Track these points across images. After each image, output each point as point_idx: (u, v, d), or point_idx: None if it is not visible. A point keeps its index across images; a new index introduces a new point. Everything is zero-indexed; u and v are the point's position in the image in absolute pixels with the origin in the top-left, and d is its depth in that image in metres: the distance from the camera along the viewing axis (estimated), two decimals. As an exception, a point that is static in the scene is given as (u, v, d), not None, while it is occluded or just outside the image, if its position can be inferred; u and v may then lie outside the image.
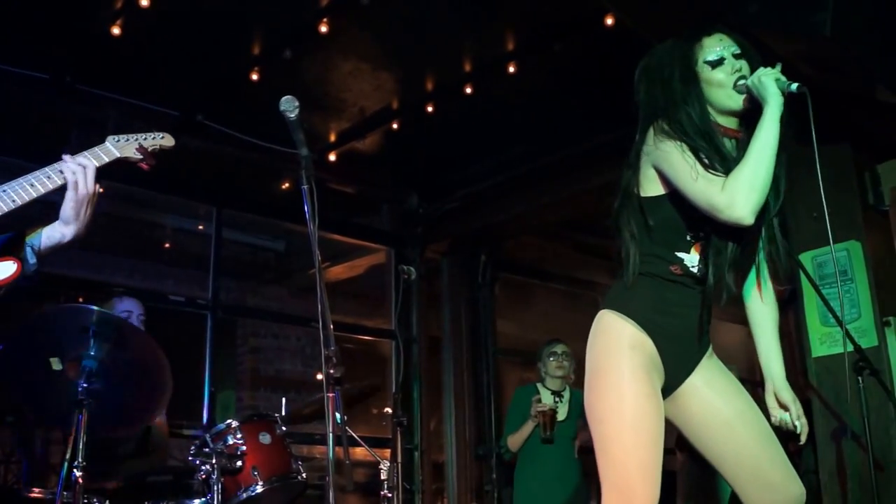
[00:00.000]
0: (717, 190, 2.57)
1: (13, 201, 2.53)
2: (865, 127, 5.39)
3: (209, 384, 6.48)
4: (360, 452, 5.37)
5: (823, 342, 5.35)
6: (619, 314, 2.75)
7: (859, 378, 4.54)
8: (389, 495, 4.69)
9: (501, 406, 7.74)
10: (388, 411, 7.69)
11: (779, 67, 2.66)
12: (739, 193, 2.54)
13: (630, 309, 2.74)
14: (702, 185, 2.59)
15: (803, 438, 2.89)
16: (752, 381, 10.98)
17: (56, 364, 3.54)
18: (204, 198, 7.01)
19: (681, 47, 2.83)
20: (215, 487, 4.04)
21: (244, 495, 4.13)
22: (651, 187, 2.78)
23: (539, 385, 6.15)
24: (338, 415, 2.52)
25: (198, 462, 4.21)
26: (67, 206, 2.64)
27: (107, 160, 2.78)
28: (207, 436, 4.31)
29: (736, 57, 2.77)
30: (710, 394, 2.84)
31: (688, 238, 2.75)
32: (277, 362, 8.94)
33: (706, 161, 2.63)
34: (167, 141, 2.95)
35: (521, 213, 7.24)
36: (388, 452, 6.98)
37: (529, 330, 8.19)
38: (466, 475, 7.62)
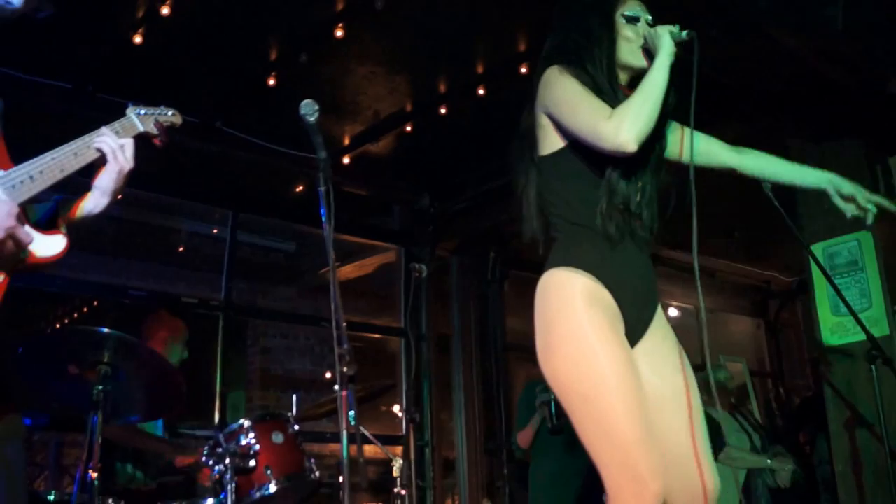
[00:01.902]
0: (604, 116, 2.55)
1: (61, 171, 2.43)
2: (877, 120, 5.38)
3: (220, 384, 6.48)
4: (371, 450, 5.37)
5: (835, 332, 5.38)
6: (567, 268, 2.60)
7: (872, 367, 4.52)
8: (403, 492, 4.67)
9: (511, 402, 7.74)
10: (396, 409, 7.74)
11: (678, 27, 2.70)
12: (626, 120, 2.52)
13: (578, 260, 2.61)
14: (588, 113, 2.58)
15: (870, 219, 2.85)
16: (761, 374, 11.01)
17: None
18: (221, 202, 7.03)
19: None
20: (229, 487, 4.03)
21: (258, 494, 4.11)
22: (549, 143, 2.75)
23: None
24: (351, 413, 2.49)
25: (211, 462, 4.21)
26: (106, 177, 2.54)
27: (132, 133, 2.70)
28: (220, 436, 4.30)
29: (649, 25, 2.81)
30: (652, 364, 2.68)
31: (596, 177, 2.69)
32: (287, 362, 8.97)
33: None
34: (176, 118, 2.89)
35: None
36: (399, 449, 7.02)
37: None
38: (477, 471, 7.61)
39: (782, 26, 4.58)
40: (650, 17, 2.85)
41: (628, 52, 2.79)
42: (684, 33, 2.67)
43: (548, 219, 2.78)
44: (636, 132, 2.52)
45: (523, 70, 5.68)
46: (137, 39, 5.14)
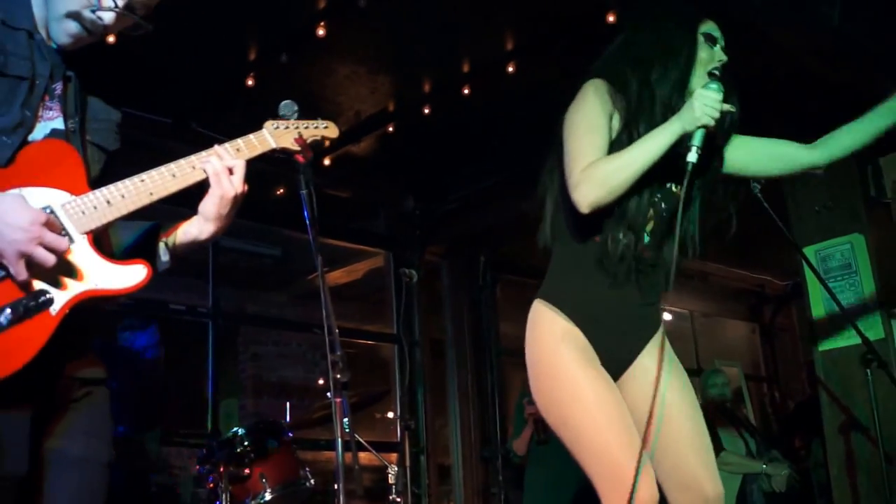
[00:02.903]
0: (582, 164, 2.52)
1: (150, 194, 2.23)
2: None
3: (212, 392, 6.41)
4: (366, 457, 5.33)
5: (829, 335, 5.34)
6: (548, 305, 2.68)
7: (867, 371, 4.55)
8: (398, 499, 4.68)
9: (506, 407, 7.73)
10: (391, 415, 7.71)
11: (731, 109, 2.62)
12: (590, 182, 2.49)
13: (560, 298, 2.68)
14: (577, 153, 2.54)
15: None
16: (757, 378, 11.01)
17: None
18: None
19: (691, 10, 2.79)
20: (223, 496, 4.03)
21: (253, 503, 4.12)
22: None
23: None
24: (345, 420, 2.42)
25: (204, 471, 4.22)
26: (209, 203, 2.33)
27: (260, 151, 2.47)
28: (214, 444, 4.30)
29: (723, 50, 2.75)
30: (650, 379, 2.68)
31: (615, 208, 2.63)
32: (279, 369, 8.91)
33: (651, 119, 2.58)
34: (330, 131, 2.63)
35: (521, 214, 7.15)
36: (394, 456, 6.97)
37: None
38: (473, 477, 7.60)
39: (777, 24, 4.59)
40: (724, 43, 2.75)
41: (697, 74, 2.70)
42: (690, 157, 2.49)
43: (555, 234, 2.79)
44: (593, 198, 2.50)
45: (510, 69, 5.65)
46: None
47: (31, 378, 1.98)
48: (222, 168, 2.32)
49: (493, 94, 5.97)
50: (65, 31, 2.22)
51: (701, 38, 2.72)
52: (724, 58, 2.72)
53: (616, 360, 2.72)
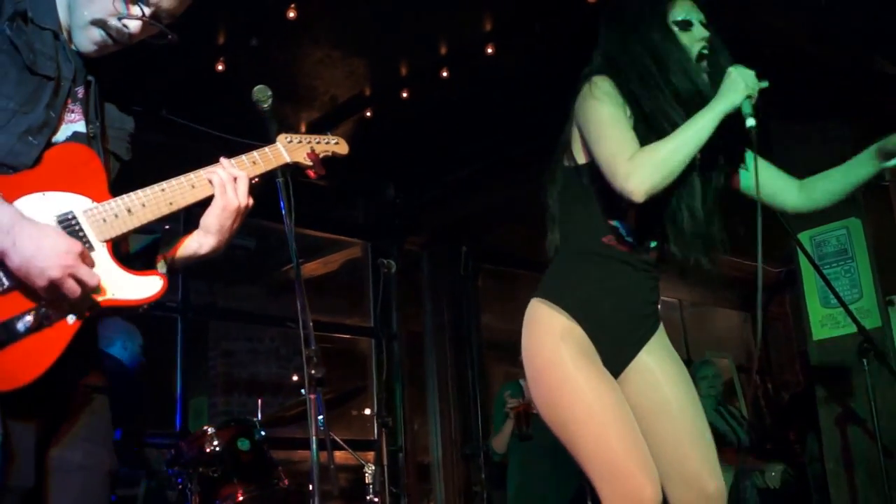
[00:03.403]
0: (625, 156, 2.50)
1: (169, 204, 2.25)
2: (863, 101, 5.35)
3: (181, 390, 6.35)
4: (342, 456, 5.26)
5: (824, 324, 5.34)
6: (548, 303, 2.69)
7: (864, 361, 4.49)
8: (376, 500, 4.62)
9: (488, 403, 7.70)
10: (369, 412, 7.61)
11: (762, 86, 2.61)
12: (644, 169, 2.47)
13: (560, 296, 2.68)
14: (612, 147, 2.54)
15: None
16: (749, 369, 10.94)
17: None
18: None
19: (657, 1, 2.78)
20: (193, 498, 3.99)
21: (224, 504, 4.09)
22: (578, 154, 2.74)
23: (522, 381, 6.00)
24: (320, 417, 2.40)
25: (174, 471, 4.17)
26: (211, 215, 2.34)
27: (274, 166, 2.48)
28: (183, 443, 4.25)
29: (703, 26, 2.75)
30: (658, 375, 2.74)
31: (623, 205, 2.63)
32: (251, 365, 8.81)
33: (649, 124, 2.59)
34: (341, 147, 2.68)
35: (504, 202, 7.15)
36: (371, 455, 6.88)
37: (516, 322, 8.02)
38: (454, 476, 7.55)
39: (768, 6, 4.61)
40: (703, 17, 2.74)
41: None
42: (750, 122, 2.54)
43: (563, 235, 2.80)
44: (650, 184, 2.48)
45: (489, 51, 5.60)
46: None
47: (46, 387, 1.98)
48: (228, 178, 2.34)
49: (473, 76, 5.91)
50: (90, 39, 2.25)
51: (675, 28, 2.72)
52: (706, 34, 2.73)
53: (617, 359, 2.72)
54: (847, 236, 5.26)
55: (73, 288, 1.97)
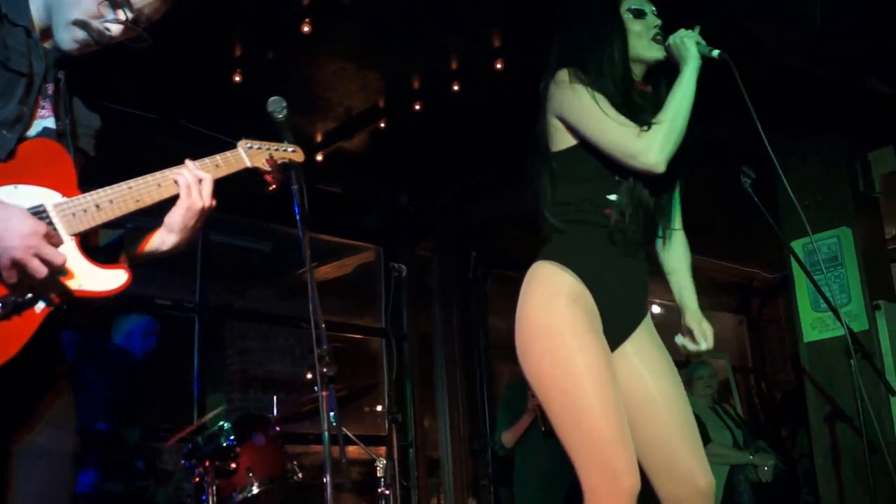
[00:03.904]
0: (633, 135, 2.58)
1: (136, 201, 2.27)
2: (855, 116, 5.41)
3: (198, 387, 6.44)
4: (355, 451, 5.34)
5: (815, 327, 5.41)
6: (556, 263, 2.62)
7: (851, 361, 4.48)
8: (387, 492, 4.64)
9: (495, 401, 7.62)
10: (380, 409, 7.69)
11: (697, 30, 2.71)
12: (656, 141, 2.56)
13: (568, 257, 2.62)
14: (616, 131, 2.60)
15: (705, 345, 2.77)
16: (744, 370, 11.04)
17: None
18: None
19: None
20: (209, 490, 4.02)
21: (240, 497, 4.11)
22: (561, 140, 2.76)
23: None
24: (332, 414, 2.44)
25: (191, 465, 4.20)
26: (176, 215, 2.35)
27: (235, 169, 2.53)
28: (200, 438, 4.29)
29: (655, 15, 2.84)
30: (639, 366, 2.70)
31: (616, 178, 2.70)
32: (266, 363, 8.88)
33: (615, 107, 2.64)
34: (297, 156, 2.67)
35: (511, 209, 7.17)
36: (382, 450, 6.98)
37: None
38: (462, 471, 7.60)
39: (761, 22, 4.61)
40: (654, 8, 2.85)
41: (640, 46, 2.79)
42: (715, 52, 2.66)
43: (553, 217, 2.77)
44: (667, 153, 2.59)
45: (498, 66, 5.66)
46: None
47: (10, 374, 1.99)
48: (194, 180, 2.36)
49: (483, 90, 5.97)
50: (72, 38, 2.27)
51: (628, 16, 2.81)
52: (659, 21, 2.82)
53: (616, 332, 2.67)
54: (838, 244, 5.35)
55: (38, 268, 1.99)
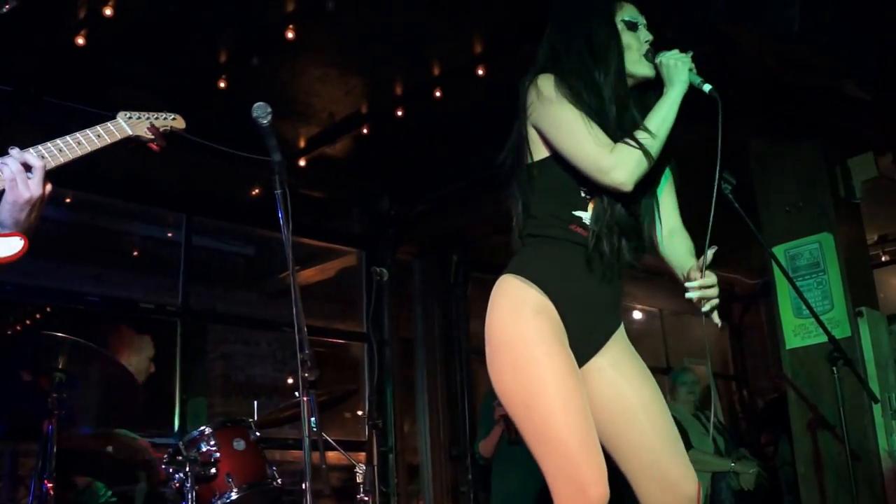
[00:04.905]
0: (605, 151, 2.54)
1: None
2: (835, 122, 5.44)
3: (180, 391, 6.41)
4: (335, 456, 5.31)
5: (797, 334, 5.40)
6: (520, 278, 2.60)
7: (833, 368, 4.50)
8: (366, 499, 4.61)
9: (476, 406, 7.71)
10: (360, 414, 7.69)
11: (690, 55, 2.68)
12: (628, 159, 2.53)
13: (531, 272, 2.60)
14: (590, 146, 2.55)
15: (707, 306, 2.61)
16: (725, 376, 11.06)
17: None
18: (173, 205, 6.94)
19: (605, 1, 2.82)
20: (189, 495, 3.98)
21: (219, 503, 4.07)
22: (536, 150, 2.73)
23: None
24: (313, 419, 2.47)
25: (171, 470, 4.15)
26: (3, 209, 2.29)
27: (118, 138, 2.55)
28: (180, 443, 4.25)
29: (647, 29, 2.80)
30: (616, 377, 2.68)
31: (582, 194, 2.66)
32: (248, 368, 8.86)
33: (595, 119, 2.60)
34: (178, 123, 2.77)
35: (493, 213, 7.15)
36: (362, 455, 6.97)
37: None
38: (442, 476, 7.59)
39: (739, 28, 4.59)
40: (645, 22, 2.82)
41: (630, 60, 2.74)
42: (707, 87, 2.62)
43: (520, 228, 2.76)
44: (638, 174, 2.56)
45: (480, 72, 5.67)
46: (80, 41, 5.03)
47: None
48: (18, 170, 2.29)
49: (465, 96, 5.98)
50: None
51: (622, 25, 2.76)
52: (650, 37, 2.78)
53: (584, 346, 2.65)
54: (819, 250, 5.35)
55: None
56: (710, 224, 2.56)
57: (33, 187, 2.29)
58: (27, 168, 2.30)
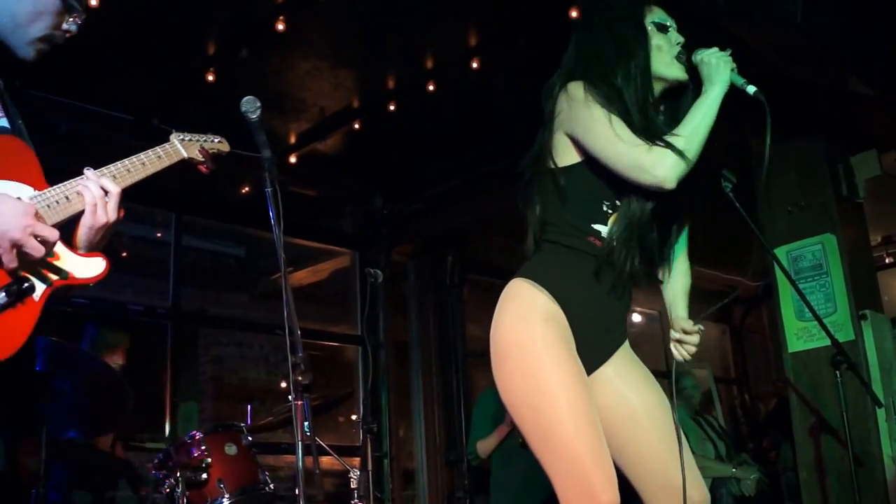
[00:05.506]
0: (644, 149, 2.50)
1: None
2: (838, 119, 5.39)
3: (171, 395, 6.35)
4: (329, 461, 5.26)
5: (800, 337, 5.37)
6: (532, 282, 2.59)
7: (837, 372, 4.45)
8: (361, 504, 4.60)
9: (472, 410, 7.63)
10: (354, 418, 7.63)
11: (729, 53, 2.65)
12: (669, 156, 2.48)
13: (544, 277, 2.60)
14: (628, 143, 2.51)
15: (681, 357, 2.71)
16: (727, 380, 11.01)
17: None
18: (162, 204, 6.85)
19: (635, 2, 2.79)
20: (180, 501, 3.94)
21: (210, 508, 4.04)
22: (565, 156, 2.69)
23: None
24: (306, 424, 2.46)
25: (161, 475, 4.11)
26: (81, 233, 2.30)
27: (175, 160, 2.56)
28: (171, 448, 4.22)
29: (677, 32, 2.77)
30: (622, 386, 2.69)
31: (604, 208, 2.65)
32: (241, 371, 8.81)
33: (631, 126, 2.56)
34: (223, 146, 2.74)
35: (489, 214, 7.15)
36: (357, 461, 6.89)
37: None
38: (437, 482, 7.56)
39: (741, 23, 4.56)
40: (675, 24, 2.78)
41: (661, 63, 2.71)
42: (751, 88, 2.60)
43: (536, 233, 2.74)
44: (678, 171, 2.50)
45: (474, 65, 5.63)
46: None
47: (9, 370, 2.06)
48: (99, 195, 2.32)
49: (459, 90, 5.94)
50: (36, 51, 2.43)
51: (652, 28, 2.73)
52: (682, 39, 2.75)
53: (594, 354, 2.65)
54: (822, 252, 5.29)
55: (36, 246, 2.06)
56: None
57: (111, 212, 2.33)
58: (105, 192, 2.34)
